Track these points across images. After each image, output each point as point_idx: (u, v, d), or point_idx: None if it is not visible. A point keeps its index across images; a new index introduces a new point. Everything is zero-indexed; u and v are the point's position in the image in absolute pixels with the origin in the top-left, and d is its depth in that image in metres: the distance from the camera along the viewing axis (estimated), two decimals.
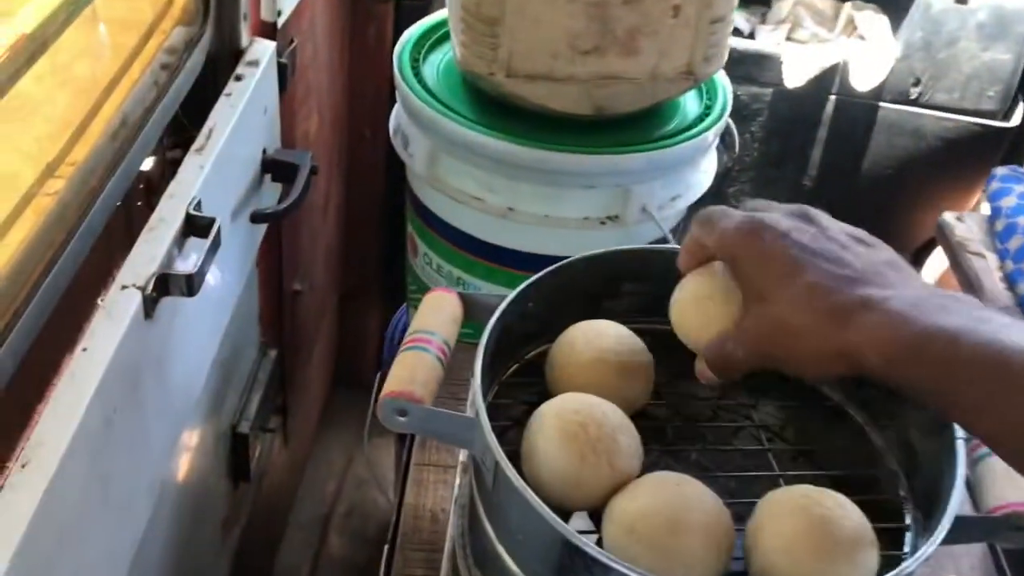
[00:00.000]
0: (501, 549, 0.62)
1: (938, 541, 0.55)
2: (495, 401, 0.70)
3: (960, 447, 0.61)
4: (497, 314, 0.66)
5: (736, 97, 1.49)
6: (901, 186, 1.53)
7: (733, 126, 1.49)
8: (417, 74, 1.12)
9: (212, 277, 0.80)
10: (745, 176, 1.56)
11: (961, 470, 0.59)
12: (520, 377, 0.72)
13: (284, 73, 1.04)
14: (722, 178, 1.56)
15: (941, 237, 1.24)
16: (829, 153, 1.53)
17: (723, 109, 1.14)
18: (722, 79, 1.18)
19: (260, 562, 1.45)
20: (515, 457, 0.61)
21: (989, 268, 1.16)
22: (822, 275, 0.53)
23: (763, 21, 1.57)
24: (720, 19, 1.02)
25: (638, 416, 0.68)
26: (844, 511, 0.57)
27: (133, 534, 0.73)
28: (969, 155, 1.42)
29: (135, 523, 0.74)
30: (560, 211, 1.05)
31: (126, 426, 0.68)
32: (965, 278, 1.16)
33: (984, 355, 0.46)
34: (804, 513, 0.57)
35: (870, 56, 1.42)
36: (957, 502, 0.57)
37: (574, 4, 0.97)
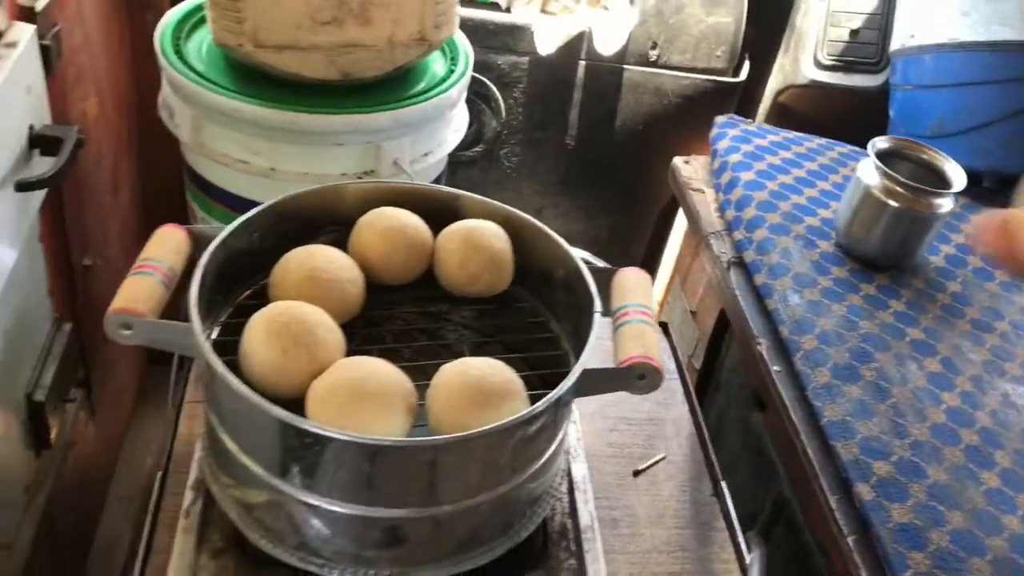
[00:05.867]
0: (230, 444, 0.73)
1: (565, 388, 0.69)
2: (229, 320, 0.81)
3: (595, 319, 0.75)
4: (218, 239, 0.77)
5: (497, 66, 1.63)
6: (650, 140, 1.71)
7: (498, 93, 1.64)
8: (179, 51, 1.20)
9: None
10: (514, 139, 1.70)
11: (592, 332, 0.74)
12: (254, 300, 0.83)
13: (48, 55, 1.11)
14: (493, 141, 1.70)
15: (671, 178, 1.41)
16: (585, 114, 1.68)
17: (464, 69, 1.26)
18: (462, 42, 1.31)
19: (80, 530, 1.50)
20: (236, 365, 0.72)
21: (707, 201, 1.33)
22: None
23: None
24: None
25: (357, 325, 0.80)
26: (493, 371, 0.71)
27: None
28: (706, 109, 1.59)
29: None
30: (318, 168, 1.16)
31: None
32: (688, 211, 1.34)
33: None
34: (461, 376, 0.70)
35: (612, 23, 1.59)
36: (585, 358, 0.72)
37: None
